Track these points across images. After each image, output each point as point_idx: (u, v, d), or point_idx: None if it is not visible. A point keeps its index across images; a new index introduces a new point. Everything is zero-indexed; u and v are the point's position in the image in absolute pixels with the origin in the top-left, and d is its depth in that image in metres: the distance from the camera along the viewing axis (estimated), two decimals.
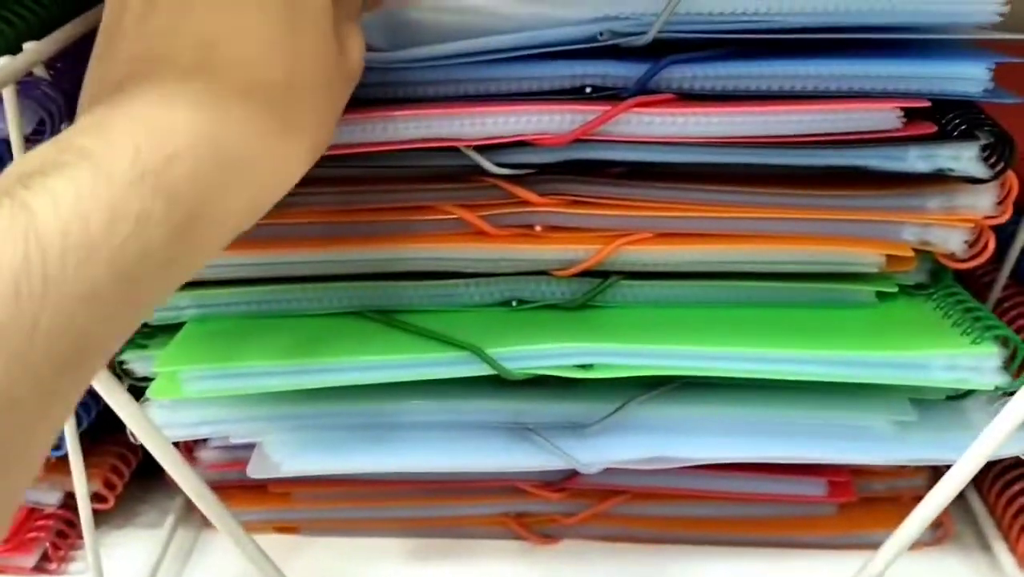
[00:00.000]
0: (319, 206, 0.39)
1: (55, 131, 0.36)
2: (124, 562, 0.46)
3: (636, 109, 0.35)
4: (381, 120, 0.36)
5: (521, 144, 0.36)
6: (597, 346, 0.37)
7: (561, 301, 0.40)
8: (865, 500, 0.45)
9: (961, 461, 0.35)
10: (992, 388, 0.37)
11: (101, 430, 0.46)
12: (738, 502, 0.45)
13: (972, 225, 0.38)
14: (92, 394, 0.35)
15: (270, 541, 0.43)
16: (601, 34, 0.35)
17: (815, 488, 0.44)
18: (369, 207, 0.39)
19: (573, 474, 0.43)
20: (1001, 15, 0.35)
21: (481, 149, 0.37)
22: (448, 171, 0.38)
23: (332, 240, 0.39)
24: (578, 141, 0.36)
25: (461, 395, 0.40)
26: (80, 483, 0.42)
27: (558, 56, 0.36)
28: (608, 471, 0.40)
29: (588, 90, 0.36)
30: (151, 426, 0.36)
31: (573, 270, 0.39)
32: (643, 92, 0.36)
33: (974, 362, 0.37)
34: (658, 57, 0.35)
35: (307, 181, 0.39)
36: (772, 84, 0.36)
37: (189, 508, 0.47)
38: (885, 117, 0.35)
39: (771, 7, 0.35)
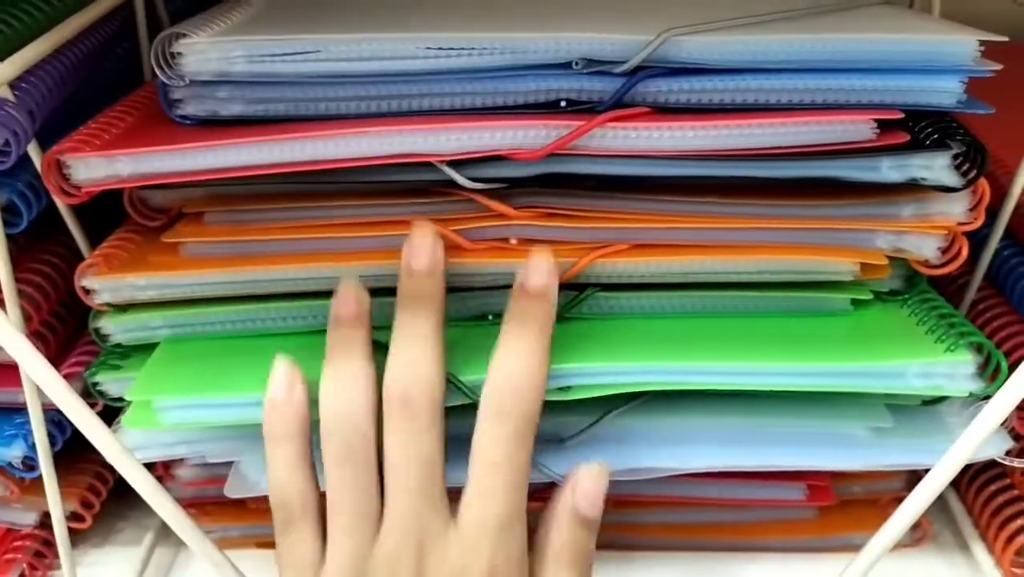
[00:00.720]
0: (292, 222, 0.39)
1: (20, 152, 0.36)
2: None
3: (611, 123, 0.35)
4: (354, 135, 0.35)
5: (495, 158, 0.36)
6: (575, 366, 0.37)
7: None
8: (844, 503, 0.45)
9: (939, 466, 0.36)
10: (966, 394, 0.37)
11: (79, 448, 0.45)
12: (718, 508, 0.46)
13: (946, 232, 0.38)
14: None
15: (251, 557, 0.43)
16: (576, 63, 0.35)
17: (794, 492, 0.45)
18: (343, 222, 0.39)
19: (553, 486, 0.43)
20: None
21: (455, 164, 0.36)
22: (422, 185, 0.38)
23: (305, 256, 0.39)
24: (553, 155, 0.36)
25: None
26: (55, 505, 0.42)
27: (533, 70, 0.36)
28: None
29: (563, 104, 0.36)
30: (124, 451, 0.36)
31: None
32: (618, 106, 0.36)
33: (948, 369, 0.37)
34: (633, 71, 0.35)
35: (279, 196, 0.39)
36: (747, 97, 0.36)
37: (168, 526, 0.47)
38: (858, 129, 0.35)
39: (748, 57, 0.35)
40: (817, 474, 0.44)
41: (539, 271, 0.35)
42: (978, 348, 0.37)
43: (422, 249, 0.35)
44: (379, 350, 0.36)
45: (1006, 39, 0.36)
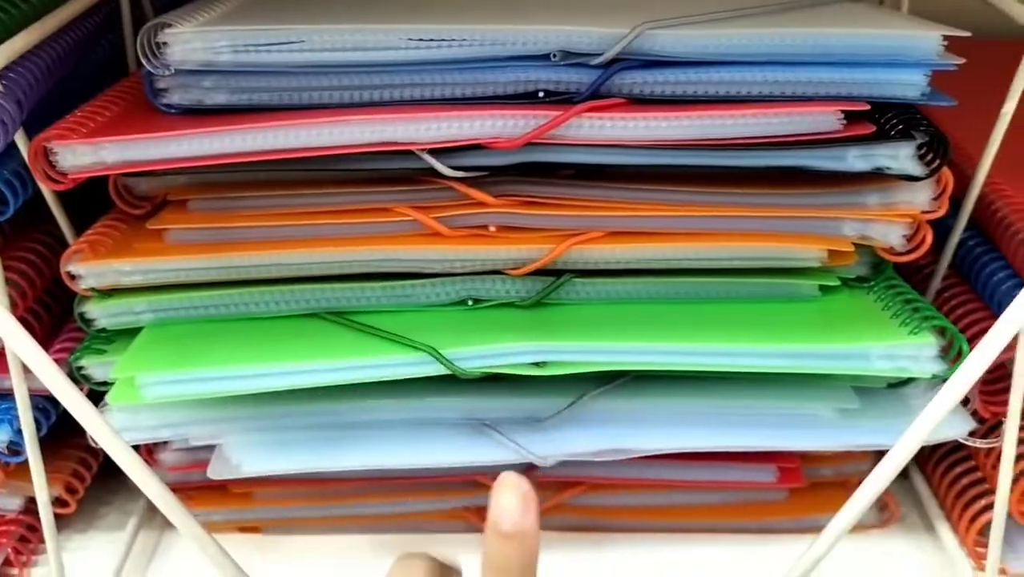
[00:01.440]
0: (274, 209, 0.40)
1: (7, 140, 0.36)
2: (87, 565, 0.46)
3: (587, 113, 0.36)
4: (337, 124, 0.36)
5: (475, 147, 0.37)
6: (550, 344, 0.38)
7: (516, 299, 0.41)
8: (814, 485, 0.46)
9: (899, 444, 0.37)
10: (929, 376, 0.39)
11: (62, 434, 0.46)
12: (692, 490, 0.47)
13: (910, 220, 0.39)
14: (52, 399, 0.35)
15: (233, 541, 0.43)
16: (554, 55, 0.37)
17: (766, 475, 0.46)
18: (325, 209, 0.40)
19: (530, 467, 0.44)
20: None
21: (436, 152, 0.37)
22: (402, 173, 0.39)
23: (287, 242, 0.40)
24: (531, 144, 0.37)
25: (418, 393, 0.41)
26: (41, 489, 0.42)
27: (512, 61, 0.37)
28: (565, 463, 0.41)
29: (541, 94, 0.37)
30: (111, 431, 0.36)
31: (527, 269, 0.40)
32: (595, 97, 0.37)
33: (912, 351, 0.39)
34: (609, 63, 0.36)
35: (262, 184, 0.40)
36: (719, 89, 0.37)
37: (152, 510, 0.47)
38: (825, 120, 0.37)
39: (720, 50, 0.36)
40: (788, 456, 0.45)
41: (511, 511, 0.30)
42: (941, 331, 0.39)
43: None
44: (366, 333, 0.37)
45: (969, 34, 0.37)
